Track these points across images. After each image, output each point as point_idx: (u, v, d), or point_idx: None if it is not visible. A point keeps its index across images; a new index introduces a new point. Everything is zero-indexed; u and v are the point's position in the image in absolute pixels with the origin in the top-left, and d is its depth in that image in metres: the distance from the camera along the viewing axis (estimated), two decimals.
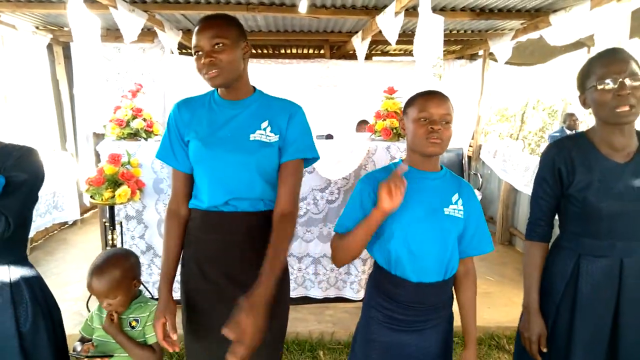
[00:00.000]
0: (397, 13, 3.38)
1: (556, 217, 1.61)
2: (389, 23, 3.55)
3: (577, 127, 6.65)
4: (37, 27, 4.88)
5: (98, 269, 1.62)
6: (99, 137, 3.07)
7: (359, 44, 4.72)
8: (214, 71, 1.36)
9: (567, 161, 1.47)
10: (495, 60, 5.21)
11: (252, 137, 1.42)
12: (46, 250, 4.53)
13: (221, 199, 1.42)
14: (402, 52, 7.11)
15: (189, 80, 4.83)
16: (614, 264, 1.44)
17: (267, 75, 5.66)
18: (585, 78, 1.43)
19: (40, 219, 4.73)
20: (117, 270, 1.62)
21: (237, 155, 1.40)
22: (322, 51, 6.08)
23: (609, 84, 1.34)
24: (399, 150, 3.10)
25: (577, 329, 1.49)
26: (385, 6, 3.68)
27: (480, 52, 5.64)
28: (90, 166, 3.25)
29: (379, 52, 7.13)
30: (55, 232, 5.15)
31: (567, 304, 1.52)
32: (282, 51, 6.71)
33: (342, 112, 5.30)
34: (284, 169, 1.46)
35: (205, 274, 1.45)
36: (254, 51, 6.61)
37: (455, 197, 1.46)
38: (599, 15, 3.26)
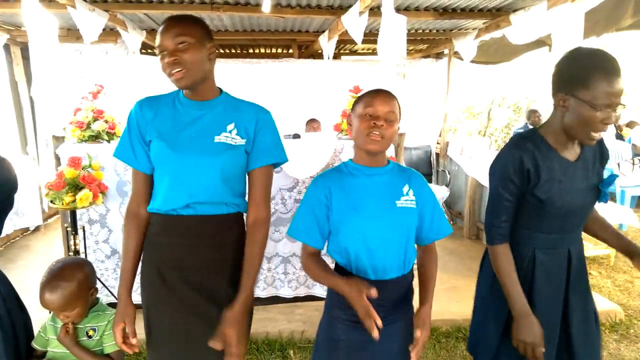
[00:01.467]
0: (361, 13, 3.41)
1: None
2: (354, 23, 3.58)
3: (540, 123, 6.86)
4: None
5: (50, 284, 1.55)
6: (59, 140, 2.98)
7: (326, 43, 4.74)
8: (179, 71, 1.34)
9: (533, 162, 1.46)
10: (461, 59, 5.32)
11: (216, 139, 1.40)
12: (7, 258, 4.37)
13: (181, 201, 1.40)
14: (370, 51, 7.17)
15: (154, 80, 4.74)
16: (563, 254, 1.54)
17: (235, 75, 5.62)
18: (577, 84, 1.34)
19: None
20: (71, 282, 1.56)
21: (201, 157, 1.38)
22: (290, 51, 6.07)
23: (609, 112, 1.32)
24: None
25: (537, 316, 1.55)
26: (350, 6, 3.71)
27: (446, 51, 5.74)
28: (51, 170, 3.15)
29: (347, 51, 7.17)
30: (17, 238, 4.97)
31: (525, 295, 1.57)
32: (251, 51, 6.67)
33: (310, 111, 5.31)
34: (257, 175, 1.46)
35: (165, 279, 1.42)
36: (222, 51, 6.54)
37: (405, 189, 1.47)
38: (555, 15, 3.37)
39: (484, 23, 4.47)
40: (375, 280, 1.43)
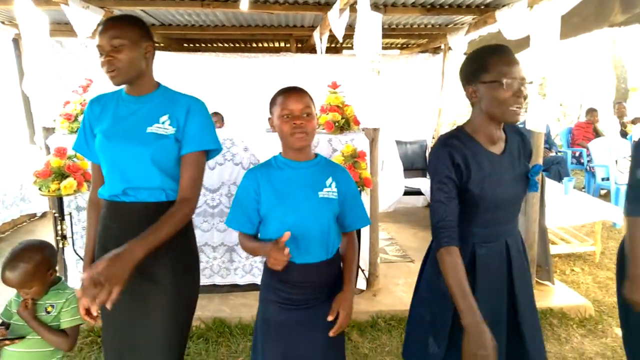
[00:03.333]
0: (341, 10, 3.48)
1: None
2: (336, 19, 3.66)
3: None
4: (2, 22, 4.93)
5: (10, 264, 1.70)
6: (49, 131, 3.16)
7: (318, 38, 4.82)
8: (112, 70, 1.48)
9: (462, 158, 1.50)
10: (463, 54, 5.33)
11: (148, 129, 1.52)
12: (12, 242, 4.62)
13: (118, 188, 1.53)
14: None
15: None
16: (501, 246, 1.60)
17: (234, 69, 5.76)
18: (480, 71, 1.46)
19: (7, 211, 4.83)
20: (29, 263, 1.71)
21: (132, 146, 1.51)
22: (288, 45, 6.17)
23: (512, 84, 1.42)
24: (340, 142, 3.23)
25: (480, 310, 1.63)
26: (335, 2, 3.78)
27: (443, 46, 5.75)
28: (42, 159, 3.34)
29: (350, 45, 7.23)
30: (24, 223, 5.24)
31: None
32: (254, 45, 6.78)
33: None
34: (185, 161, 1.57)
35: None
36: (220, 45, 6.68)
37: (329, 181, 1.60)
38: (535, 13, 3.39)
39: (473, 19, 4.48)
40: (300, 264, 1.55)
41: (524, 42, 4.42)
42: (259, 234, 1.63)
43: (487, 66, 1.44)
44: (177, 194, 1.58)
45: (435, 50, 6.10)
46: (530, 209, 3.42)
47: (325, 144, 3.22)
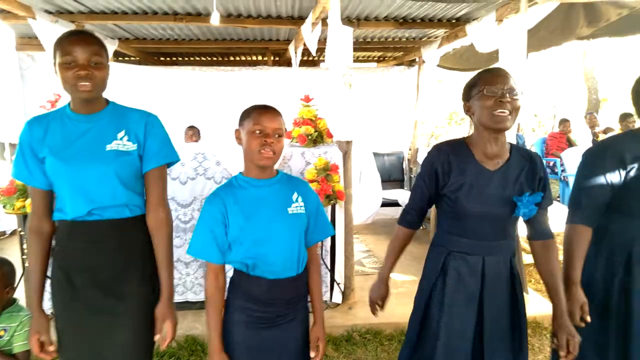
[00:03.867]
0: (314, 24, 3.51)
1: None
2: (309, 32, 3.68)
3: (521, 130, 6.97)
4: None
5: None
6: (15, 147, 3.08)
7: (294, 51, 4.85)
8: (88, 84, 1.43)
9: (444, 164, 1.57)
10: (442, 67, 5.42)
11: (108, 147, 1.49)
12: None
13: (83, 209, 1.48)
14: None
15: (126, 87, 4.87)
16: (477, 261, 1.58)
17: (210, 83, 5.73)
18: (472, 87, 1.56)
19: None
20: None
21: (96, 166, 1.47)
22: (265, 58, 6.19)
23: (494, 91, 1.49)
24: (313, 155, 3.22)
25: (444, 322, 1.61)
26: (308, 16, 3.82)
27: (418, 59, 5.84)
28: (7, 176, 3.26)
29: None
30: None
31: (437, 298, 1.65)
32: (231, 58, 6.78)
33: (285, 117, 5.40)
34: (151, 176, 1.56)
35: (73, 282, 1.50)
36: (197, 58, 6.67)
37: (295, 196, 1.58)
38: (503, 28, 3.46)
39: (445, 32, 4.57)
40: (272, 280, 1.52)
41: (496, 56, 4.55)
42: (228, 261, 1.58)
43: (477, 82, 1.55)
44: (139, 209, 1.56)
45: (411, 63, 6.19)
46: None
47: (298, 157, 3.21)
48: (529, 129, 9.46)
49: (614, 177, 1.66)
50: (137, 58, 5.97)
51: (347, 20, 4.22)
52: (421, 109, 5.80)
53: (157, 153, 1.56)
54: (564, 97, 14.10)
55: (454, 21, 4.27)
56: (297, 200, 1.58)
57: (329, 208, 3.16)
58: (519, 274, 1.68)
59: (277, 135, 1.50)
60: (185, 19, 3.99)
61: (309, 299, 1.67)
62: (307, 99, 3.37)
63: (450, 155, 1.58)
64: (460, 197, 1.55)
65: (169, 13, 3.96)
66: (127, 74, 5.24)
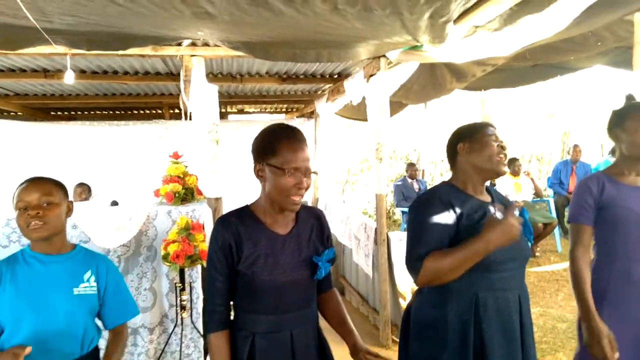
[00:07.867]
0: (185, 81, 3.51)
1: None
2: (183, 89, 3.67)
3: (417, 176, 7.25)
4: None
5: None
6: None
7: (182, 106, 4.81)
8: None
9: (235, 236, 1.39)
10: (341, 116, 5.59)
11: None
12: None
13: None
14: (258, 110, 7.38)
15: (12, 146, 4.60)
16: (285, 338, 1.42)
17: (102, 137, 5.55)
18: (269, 153, 1.40)
19: None
20: None
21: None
22: (162, 111, 6.12)
23: (299, 177, 1.37)
24: (180, 214, 3.12)
25: None
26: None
27: (314, 111, 6.01)
28: None
29: (235, 110, 7.33)
30: None
31: None
32: (129, 112, 6.63)
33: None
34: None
35: None
36: (93, 112, 6.47)
37: (87, 275, 1.50)
38: (370, 84, 3.63)
39: (329, 87, 4.75)
40: None
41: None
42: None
43: (275, 149, 1.39)
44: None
45: (311, 115, 6.36)
46: (380, 269, 3.49)
47: (164, 217, 3.09)
48: (437, 173, 9.91)
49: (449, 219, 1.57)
50: (21, 114, 5.64)
51: (231, 77, 4.27)
52: (320, 160, 5.91)
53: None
54: None
55: (335, 77, 4.44)
56: (88, 280, 1.51)
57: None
58: (326, 340, 1.56)
59: (46, 204, 1.44)
60: (57, 75, 3.85)
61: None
62: (175, 156, 3.31)
63: (239, 226, 1.40)
64: (257, 271, 1.38)
65: (38, 70, 3.81)
66: (7, 131, 4.95)
